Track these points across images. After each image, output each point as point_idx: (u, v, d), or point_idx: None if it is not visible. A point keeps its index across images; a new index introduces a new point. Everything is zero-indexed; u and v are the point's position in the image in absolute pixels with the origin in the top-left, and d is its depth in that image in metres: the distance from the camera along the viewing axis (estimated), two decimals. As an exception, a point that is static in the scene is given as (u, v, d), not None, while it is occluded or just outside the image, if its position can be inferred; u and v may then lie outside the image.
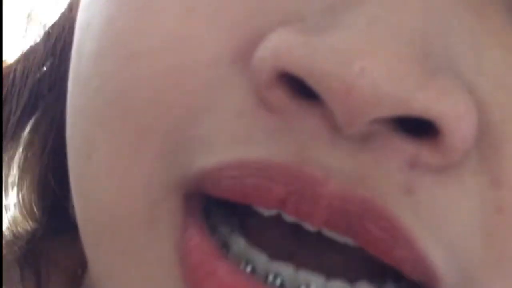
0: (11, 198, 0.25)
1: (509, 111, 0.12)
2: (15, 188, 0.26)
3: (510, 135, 0.12)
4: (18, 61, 0.25)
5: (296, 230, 0.14)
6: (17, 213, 0.25)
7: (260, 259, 0.14)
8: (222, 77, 0.13)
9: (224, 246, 0.14)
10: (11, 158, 0.25)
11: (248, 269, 0.14)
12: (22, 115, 0.24)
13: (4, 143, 0.24)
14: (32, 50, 0.25)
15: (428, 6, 0.12)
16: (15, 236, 0.24)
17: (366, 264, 0.14)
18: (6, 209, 0.25)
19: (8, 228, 0.24)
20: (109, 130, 0.14)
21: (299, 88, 0.12)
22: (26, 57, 0.25)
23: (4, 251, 0.22)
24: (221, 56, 0.13)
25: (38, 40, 0.25)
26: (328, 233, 0.13)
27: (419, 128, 0.12)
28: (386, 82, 0.11)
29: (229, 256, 0.14)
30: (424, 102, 0.11)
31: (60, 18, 0.25)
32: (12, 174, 0.25)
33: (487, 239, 0.13)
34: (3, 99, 0.24)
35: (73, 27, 0.18)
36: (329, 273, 0.14)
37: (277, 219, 0.14)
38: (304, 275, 0.13)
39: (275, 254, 0.14)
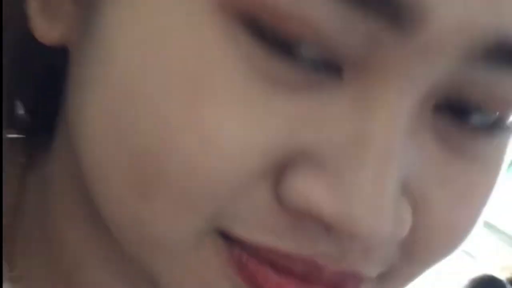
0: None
1: (427, 195, 0.20)
2: None
3: (426, 211, 0.20)
4: None
5: None
6: None
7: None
8: (255, 183, 0.19)
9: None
10: None
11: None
12: None
13: None
14: None
15: (401, 157, 0.18)
16: None
17: None
18: None
19: None
20: (162, 190, 0.19)
21: None
22: None
23: None
24: (255, 170, 0.19)
25: None
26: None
27: None
28: (376, 237, 0.18)
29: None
30: (391, 235, 0.19)
31: None
32: None
33: (402, 254, 0.21)
34: None
35: None
36: None
37: None
38: None
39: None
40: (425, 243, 0.21)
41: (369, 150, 0.18)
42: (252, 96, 0.18)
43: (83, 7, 0.22)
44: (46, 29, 0.23)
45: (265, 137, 0.18)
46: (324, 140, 0.18)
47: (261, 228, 0.19)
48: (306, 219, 0.19)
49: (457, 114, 0.20)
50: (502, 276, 1.65)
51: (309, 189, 0.18)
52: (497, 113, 0.20)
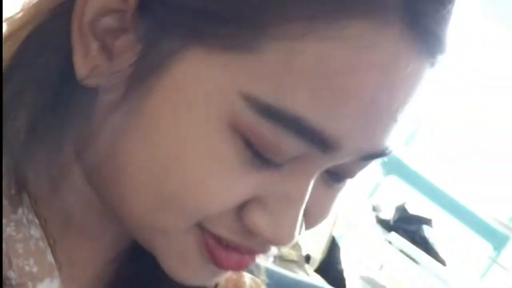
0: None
1: (312, 210, 0.34)
2: None
3: (310, 217, 0.35)
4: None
5: None
6: None
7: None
8: (228, 212, 0.32)
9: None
10: None
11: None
12: None
13: None
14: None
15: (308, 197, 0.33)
16: None
17: None
18: None
19: None
20: (173, 211, 0.33)
21: None
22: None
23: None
24: (230, 208, 0.32)
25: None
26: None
27: None
28: (288, 245, 0.33)
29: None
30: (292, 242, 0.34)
31: None
32: None
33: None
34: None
35: None
36: None
37: None
38: None
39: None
40: (306, 226, 0.36)
41: (292, 202, 0.33)
42: (235, 172, 0.31)
43: (127, 74, 0.32)
44: (86, 75, 0.33)
45: (240, 194, 0.32)
46: (269, 194, 0.32)
47: (225, 229, 0.33)
48: (253, 232, 0.33)
49: (332, 174, 0.35)
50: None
51: (257, 221, 0.32)
52: (349, 177, 0.36)
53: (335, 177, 0.35)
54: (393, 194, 3.11)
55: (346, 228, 2.67)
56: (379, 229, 2.92)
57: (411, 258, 2.71)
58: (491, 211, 3.09)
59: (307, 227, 0.36)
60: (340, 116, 0.30)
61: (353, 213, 2.72)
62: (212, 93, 0.31)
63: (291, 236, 0.33)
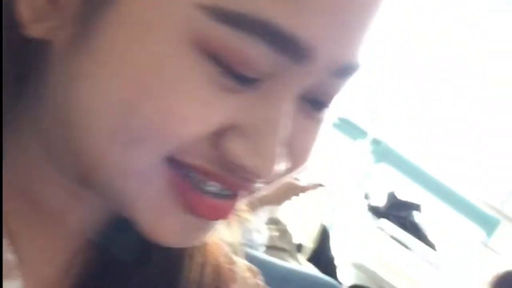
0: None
1: (294, 142, 0.33)
2: None
3: (292, 148, 0.33)
4: None
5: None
6: None
7: (210, 188, 0.33)
8: (204, 140, 0.31)
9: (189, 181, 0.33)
10: None
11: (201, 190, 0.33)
12: None
13: None
14: None
15: (283, 129, 0.31)
16: None
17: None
18: None
19: None
20: (143, 144, 0.31)
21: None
22: None
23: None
24: (203, 135, 0.30)
25: None
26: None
27: None
28: (268, 177, 0.31)
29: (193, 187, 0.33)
30: (272, 173, 0.31)
31: None
32: None
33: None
34: None
35: None
36: None
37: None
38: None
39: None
40: (293, 163, 0.34)
41: (269, 126, 0.31)
42: (207, 95, 0.30)
43: (75, 17, 0.31)
44: (33, 25, 0.32)
45: (214, 118, 0.30)
46: (246, 120, 0.31)
47: (203, 159, 0.32)
48: (231, 161, 0.31)
49: (310, 100, 0.33)
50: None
51: (234, 148, 0.31)
52: (328, 102, 0.34)
53: (314, 104, 0.33)
54: (384, 181, 3.12)
55: (338, 216, 2.67)
56: (370, 216, 2.93)
57: (402, 244, 2.72)
58: (481, 196, 3.11)
59: (294, 165, 0.34)
60: (308, 17, 0.28)
61: (344, 201, 2.72)
62: (166, 12, 0.29)
63: (270, 163, 0.31)
